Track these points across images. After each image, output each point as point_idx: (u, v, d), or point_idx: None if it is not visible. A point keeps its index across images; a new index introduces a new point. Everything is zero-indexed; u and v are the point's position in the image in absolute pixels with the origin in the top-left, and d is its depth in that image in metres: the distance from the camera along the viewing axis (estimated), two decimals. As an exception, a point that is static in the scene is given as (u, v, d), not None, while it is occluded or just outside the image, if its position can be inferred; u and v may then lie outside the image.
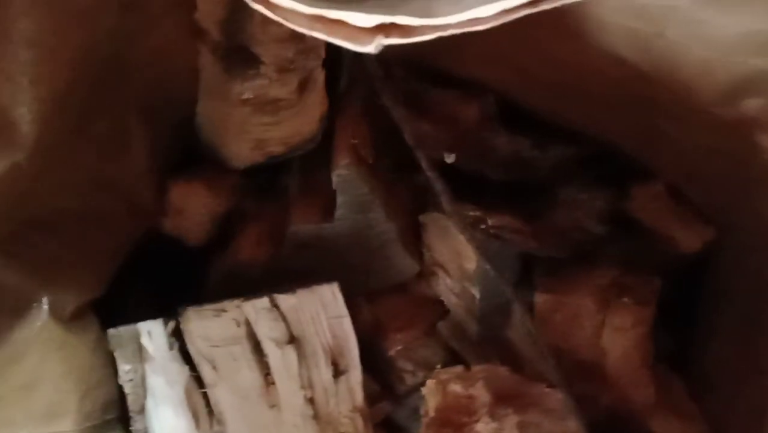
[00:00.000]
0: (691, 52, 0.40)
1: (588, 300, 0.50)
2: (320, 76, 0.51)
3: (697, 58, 0.40)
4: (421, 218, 0.55)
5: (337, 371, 0.48)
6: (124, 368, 0.47)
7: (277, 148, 0.53)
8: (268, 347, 0.47)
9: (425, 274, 0.55)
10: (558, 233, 0.53)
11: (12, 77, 0.38)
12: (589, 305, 0.50)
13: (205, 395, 0.46)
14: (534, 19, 0.41)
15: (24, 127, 0.39)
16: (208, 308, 0.46)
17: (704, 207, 0.53)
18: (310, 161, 0.53)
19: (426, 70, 0.54)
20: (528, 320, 0.49)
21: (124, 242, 0.50)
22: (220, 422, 0.46)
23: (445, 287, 0.54)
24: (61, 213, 0.44)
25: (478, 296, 0.53)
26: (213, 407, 0.46)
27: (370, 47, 0.28)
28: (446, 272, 0.54)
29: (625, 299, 0.50)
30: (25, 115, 0.39)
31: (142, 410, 0.47)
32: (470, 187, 0.53)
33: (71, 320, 0.45)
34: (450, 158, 0.53)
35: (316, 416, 0.47)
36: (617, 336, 0.50)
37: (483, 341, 0.53)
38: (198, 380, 0.46)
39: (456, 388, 0.46)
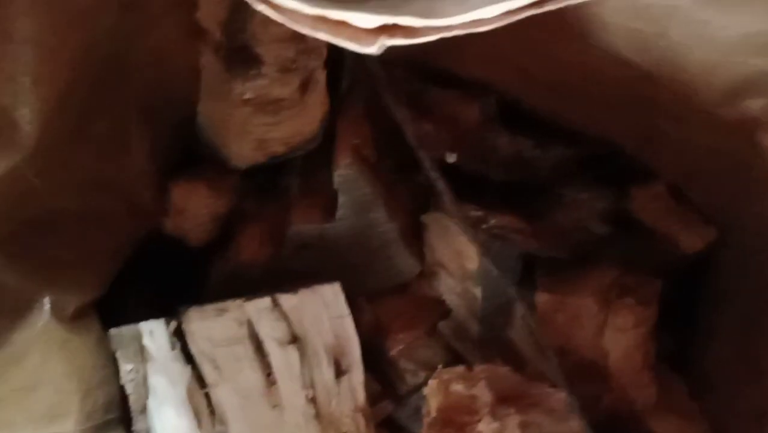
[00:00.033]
0: (692, 52, 0.40)
1: (589, 300, 0.50)
2: (322, 76, 0.51)
3: (699, 59, 0.40)
4: (423, 218, 0.55)
5: (339, 371, 0.48)
6: (125, 368, 0.47)
7: (278, 149, 0.53)
8: (270, 347, 0.47)
9: (427, 274, 0.55)
10: (559, 233, 0.53)
11: (13, 77, 0.38)
12: (591, 305, 0.50)
13: (207, 395, 0.46)
14: (535, 19, 0.41)
15: (25, 128, 0.39)
16: (210, 308, 0.46)
17: (705, 207, 0.53)
18: (312, 161, 0.53)
19: (427, 71, 0.54)
20: (530, 319, 0.49)
21: (125, 243, 0.50)
22: (222, 422, 0.46)
23: (447, 287, 0.54)
24: (62, 213, 0.44)
25: (479, 296, 0.53)
26: (215, 407, 0.46)
27: (373, 48, 0.28)
28: (448, 272, 0.54)
29: (627, 299, 0.50)
30: (25, 115, 0.39)
31: (143, 410, 0.47)
32: (471, 188, 0.53)
33: (72, 320, 0.45)
34: (451, 158, 0.53)
35: (317, 416, 0.47)
36: (619, 336, 0.50)
37: (485, 341, 0.53)
38: (200, 380, 0.46)
39: (458, 388, 0.46)
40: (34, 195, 0.41)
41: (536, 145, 0.55)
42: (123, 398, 0.47)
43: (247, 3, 0.32)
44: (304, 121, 0.52)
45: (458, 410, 0.45)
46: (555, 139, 0.55)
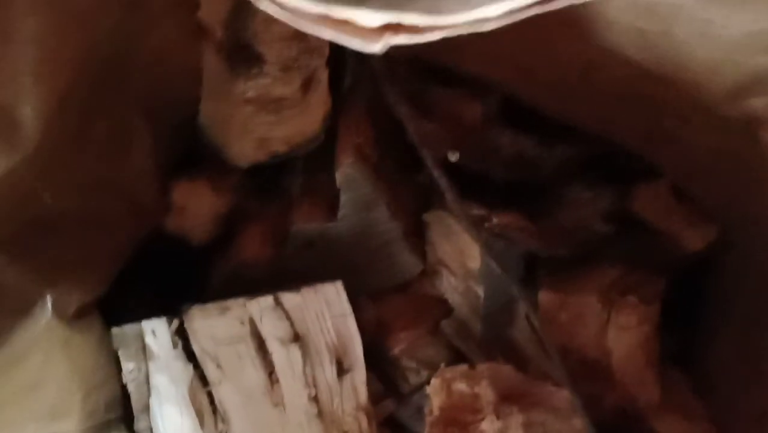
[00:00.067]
0: (696, 51, 0.39)
1: (592, 299, 0.50)
2: (324, 75, 0.51)
3: (703, 57, 0.40)
4: (425, 216, 0.55)
5: (341, 370, 0.48)
6: (127, 366, 0.47)
7: (280, 147, 0.53)
8: (273, 346, 0.47)
9: (429, 273, 0.55)
10: (562, 232, 0.53)
11: (14, 77, 0.38)
12: (594, 304, 0.50)
13: (209, 394, 0.46)
14: (538, 18, 0.41)
15: (26, 127, 0.39)
16: (212, 307, 0.46)
17: (708, 206, 0.53)
18: (314, 161, 0.53)
19: (430, 69, 0.54)
20: (533, 318, 0.49)
21: (127, 242, 0.50)
22: (225, 420, 0.46)
23: (449, 286, 0.54)
24: (64, 213, 0.44)
25: (482, 294, 0.53)
26: (217, 406, 0.46)
27: (377, 47, 0.28)
28: (450, 270, 0.54)
29: (630, 298, 0.50)
30: (27, 115, 0.39)
31: (145, 409, 0.47)
32: (474, 187, 0.53)
33: (74, 318, 0.45)
34: (454, 157, 0.53)
35: (320, 415, 0.47)
36: (622, 335, 0.50)
37: (487, 340, 0.53)
38: (202, 378, 0.46)
39: (461, 386, 0.46)
40: (36, 195, 0.41)
41: (539, 144, 0.55)
42: (125, 397, 0.47)
43: (249, 1, 0.32)
44: (306, 120, 0.52)
45: (461, 409, 0.45)
46: (557, 139, 0.54)
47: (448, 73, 0.54)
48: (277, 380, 0.47)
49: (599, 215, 0.54)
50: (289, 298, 0.47)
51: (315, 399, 0.47)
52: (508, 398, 0.45)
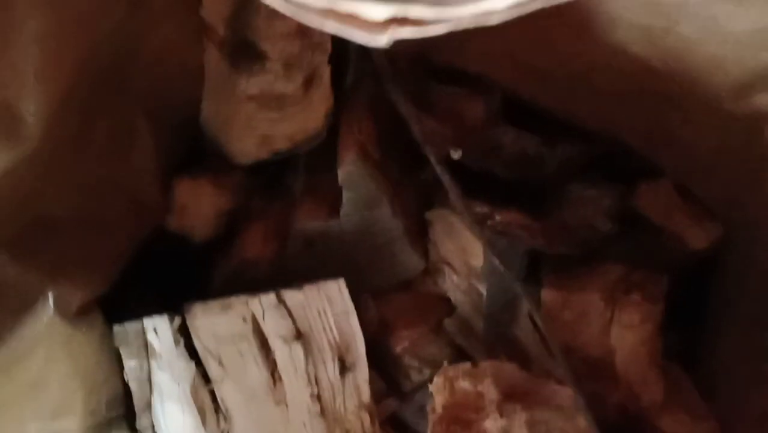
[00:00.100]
0: (701, 47, 0.39)
1: (596, 297, 0.50)
2: (326, 71, 0.51)
3: (709, 54, 0.39)
4: (428, 214, 0.55)
5: (344, 368, 0.47)
6: (129, 364, 0.46)
7: (282, 145, 0.52)
8: (275, 344, 0.47)
9: (431, 271, 0.55)
10: (565, 231, 0.53)
11: (16, 76, 0.38)
12: (597, 302, 0.50)
13: (211, 392, 0.46)
14: (542, 14, 0.41)
15: (29, 125, 0.39)
16: (215, 304, 0.46)
17: (713, 204, 0.52)
18: (316, 158, 0.53)
19: (432, 68, 0.54)
20: (536, 316, 0.49)
21: (129, 241, 0.50)
22: (227, 418, 0.46)
23: (452, 284, 0.54)
24: (66, 212, 0.44)
25: (484, 293, 0.52)
26: (219, 404, 0.46)
27: (382, 41, 0.28)
28: (453, 268, 0.54)
29: (634, 296, 0.50)
30: (29, 113, 0.39)
31: (147, 407, 0.47)
32: (477, 185, 0.53)
33: (76, 316, 0.45)
34: (456, 154, 0.53)
35: (322, 413, 0.47)
36: (626, 333, 0.50)
37: (490, 339, 0.53)
38: (204, 376, 0.46)
39: (464, 384, 0.46)
40: (39, 193, 0.42)
41: (542, 142, 0.54)
42: (127, 395, 0.47)
43: (252, -2, 0.32)
44: (308, 117, 0.52)
45: (464, 407, 0.45)
46: (560, 137, 0.54)
47: (451, 72, 0.54)
48: (280, 378, 0.47)
49: (602, 214, 0.54)
50: (291, 295, 0.47)
51: (317, 397, 0.47)
52: (511, 396, 0.45)
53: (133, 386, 0.47)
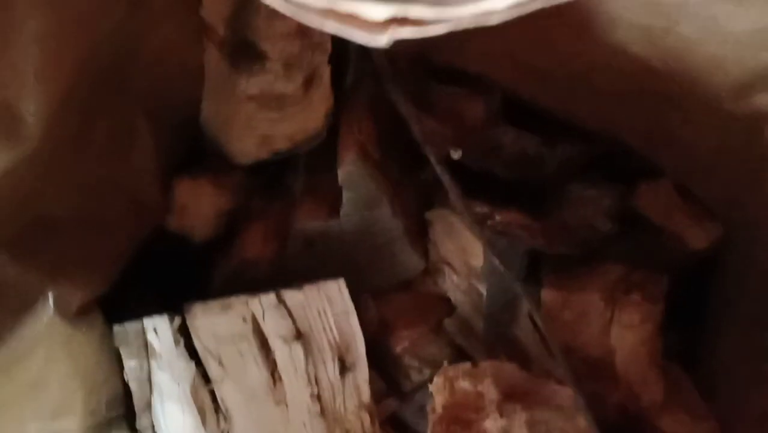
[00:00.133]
0: (701, 47, 0.39)
1: (596, 297, 0.50)
2: (326, 71, 0.51)
3: (709, 53, 0.39)
4: (428, 214, 0.55)
5: (344, 368, 0.47)
6: (129, 364, 0.46)
7: (282, 145, 0.52)
8: (275, 344, 0.47)
9: (431, 271, 0.55)
10: (565, 231, 0.53)
11: (16, 75, 0.38)
12: (597, 302, 0.50)
13: (211, 392, 0.46)
14: (543, 14, 0.41)
15: (28, 125, 0.39)
16: (215, 304, 0.46)
17: (713, 204, 0.52)
18: (316, 158, 0.53)
19: (432, 68, 0.54)
20: (536, 315, 0.49)
21: (129, 241, 0.50)
22: (227, 418, 0.46)
23: (452, 284, 0.54)
24: (66, 212, 0.44)
25: (484, 293, 0.52)
26: (219, 404, 0.46)
27: (382, 41, 0.28)
28: (453, 269, 0.54)
29: (634, 296, 0.50)
30: (29, 113, 0.39)
31: (147, 407, 0.47)
32: (477, 185, 0.53)
33: (76, 316, 0.45)
34: (456, 154, 0.53)
35: (322, 413, 0.47)
36: (625, 333, 0.50)
37: (490, 339, 0.53)
38: (204, 376, 0.46)
39: (464, 384, 0.46)
40: (39, 193, 0.42)
41: (542, 142, 0.54)
42: (126, 395, 0.47)
43: (252, -2, 0.32)
44: (308, 117, 0.52)
45: (464, 407, 0.45)
46: (560, 137, 0.54)
47: (450, 72, 0.54)
48: (280, 378, 0.47)
49: (602, 214, 0.54)
50: (291, 295, 0.47)
51: (317, 397, 0.47)
52: (511, 396, 0.45)
53: (133, 386, 0.47)
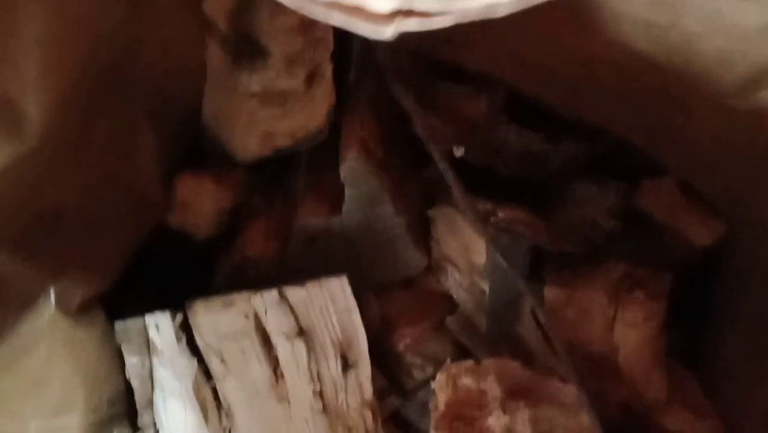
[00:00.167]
0: (707, 42, 0.39)
1: (599, 294, 0.50)
2: (328, 68, 0.51)
3: (713, 49, 0.39)
4: (430, 212, 0.55)
5: (346, 365, 0.47)
6: (131, 361, 0.46)
7: (284, 142, 0.52)
8: (277, 341, 0.46)
9: (434, 268, 0.55)
10: (568, 229, 0.53)
11: (19, 71, 0.38)
12: (601, 300, 0.50)
13: (213, 389, 0.46)
14: (546, 10, 0.41)
15: (31, 120, 0.39)
16: (217, 301, 0.46)
17: (717, 201, 0.52)
18: (318, 156, 0.53)
19: (434, 65, 0.54)
20: (540, 312, 0.49)
21: (131, 238, 0.50)
22: (229, 415, 0.46)
23: (454, 282, 0.54)
24: (68, 208, 0.44)
25: (487, 290, 0.52)
26: (222, 401, 0.46)
27: (388, 33, 0.28)
28: (455, 266, 0.54)
29: (637, 294, 0.50)
30: (31, 109, 0.39)
31: (149, 404, 0.47)
32: (479, 182, 0.52)
33: (78, 313, 0.45)
34: (459, 151, 0.53)
35: (325, 410, 0.47)
36: (629, 331, 0.49)
37: (492, 336, 0.52)
38: (206, 373, 0.46)
39: (467, 382, 0.46)
40: (40, 190, 0.42)
41: (544, 140, 0.54)
42: (128, 392, 0.47)
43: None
44: (310, 114, 0.52)
45: (467, 405, 0.45)
46: (563, 135, 0.54)
47: (453, 69, 0.54)
48: (282, 375, 0.46)
49: (605, 212, 0.54)
50: (293, 292, 0.47)
51: (320, 394, 0.47)
52: (514, 394, 0.45)
53: (135, 383, 0.47)
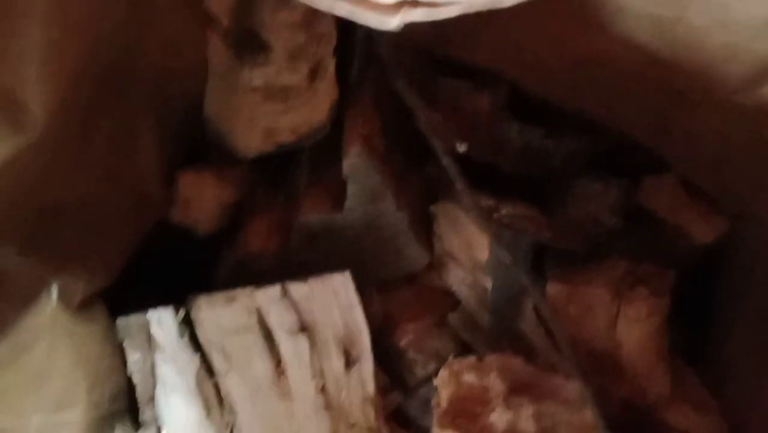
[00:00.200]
0: (711, 36, 0.39)
1: (602, 290, 0.50)
2: (331, 63, 0.51)
3: (718, 43, 0.39)
4: (432, 208, 0.54)
5: (349, 361, 0.47)
6: (133, 357, 0.46)
7: (286, 137, 0.52)
8: (280, 336, 0.46)
9: (436, 265, 0.54)
10: (571, 225, 0.53)
11: (21, 62, 0.38)
12: (604, 296, 0.50)
13: (216, 385, 0.46)
14: (550, 4, 0.40)
15: (33, 113, 0.39)
16: (219, 296, 0.46)
17: (720, 198, 0.52)
18: (320, 151, 0.53)
19: (438, 60, 0.54)
20: (543, 308, 0.49)
21: (134, 233, 0.50)
22: (231, 411, 0.46)
23: (456, 278, 0.54)
24: (70, 203, 0.44)
25: (489, 286, 0.52)
26: (224, 396, 0.46)
27: (394, 23, 0.28)
28: (457, 263, 0.54)
29: (640, 290, 0.50)
30: (34, 100, 0.39)
31: (150, 400, 0.46)
32: (482, 178, 0.52)
33: (80, 308, 0.44)
34: (461, 148, 0.52)
35: (327, 406, 0.47)
36: (632, 327, 0.49)
37: (495, 333, 0.52)
38: (209, 369, 0.46)
39: (470, 378, 0.45)
40: (42, 184, 0.41)
41: (547, 136, 0.54)
42: (130, 387, 0.47)
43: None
44: (312, 109, 0.51)
45: (470, 401, 0.45)
46: (567, 131, 0.54)
47: (456, 65, 0.54)
48: (285, 371, 0.46)
49: (608, 208, 0.54)
50: (296, 288, 0.47)
51: (322, 390, 0.47)
52: (518, 390, 0.45)
53: (137, 379, 0.46)
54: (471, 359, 0.47)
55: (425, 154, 0.52)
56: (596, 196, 0.54)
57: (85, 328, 0.45)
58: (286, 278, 0.48)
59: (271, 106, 0.51)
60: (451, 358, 0.48)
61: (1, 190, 0.39)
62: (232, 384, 0.46)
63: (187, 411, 0.45)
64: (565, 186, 0.55)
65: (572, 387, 0.46)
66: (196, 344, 0.46)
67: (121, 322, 0.46)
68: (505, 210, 0.51)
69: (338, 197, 0.51)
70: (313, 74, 0.51)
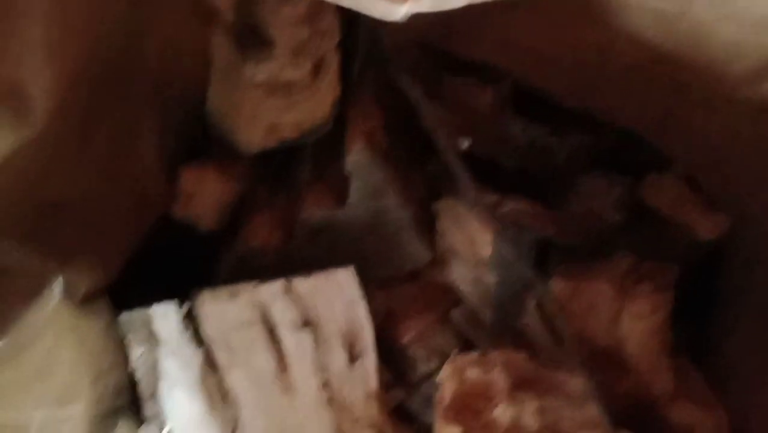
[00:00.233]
0: (716, 32, 0.39)
1: (605, 287, 0.50)
2: (334, 59, 0.51)
3: (723, 39, 0.39)
4: (436, 205, 0.54)
5: (352, 356, 0.47)
6: (136, 352, 0.46)
7: (289, 133, 0.52)
8: (283, 332, 0.46)
9: (439, 261, 0.54)
10: (575, 222, 0.53)
11: (25, 54, 0.38)
12: (607, 292, 0.50)
13: (219, 379, 0.46)
14: (552, 1, 0.40)
15: (36, 105, 0.39)
16: (223, 291, 0.46)
17: (723, 194, 0.52)
18: (323, 147, 0.53)
19: (441, 55, 0.54)
20: (548, 303, 0.49)
21: (137, 229, 0.50)
22: (235, 405, 0.45)
23: (459, 275, 0.54)
24: (73, 198, 0.44)
25: (492, 283, 0.52)
26: (227, 391, 0.46)
27: (400, 14, 0.27)
28: (460, 259, 0.53)
29: (643, 286, 0.50)
30: (37, 93, 0.39)
31: (153, 395, 0.46)
32: (485, 175, 0.52)
33: (83, 303, 0.45)
34: (465, 144, 0.52)
35: (330, 401, 0.46)
36: (635, 323, 0.49)
37: (497, 329, 0.52)
38: (212, 363, 0.46)
39: (473, 374, 0.45)
40: (45, 178, 0.41)
41: (551, 132, 0.54)
42: (133, 382, 0.47)
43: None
44: (316, 105, 0.51)
45: (473, 396, 0.45)
46: (570, 127, 0.54)
47: (459, 61, 0.54)
48: (288, 366, 0.46)
49: (611, 205, 0.54)
50: (300, 283, 0.47)
51: (325, 386, 0.47)
52: (521, 385, 0.45)
53: (140, 374, 0.46)
54: (474, 354, 0.47)
55: (428, 150, 0.52)
56: (599, 194, 0.54)
57: (88, 323, 0.45)
58: (288, 274, 0.48)
59: (274, 102, 0.51)
60: (454, 353, 0.48)
61: (2, 186, 0.39)
62: (235, 379, 0.46)
63: (190, 406, 0.45)
64: (569, 183, 0.55)
65: (576, 383, 0.46)
66: (199, 339, 0.46)
67: (124, 317, 0.46)
68: (509, 206, 0.51)
69: (341, 194, 0.51)
70: (316, 70, 0.51)
